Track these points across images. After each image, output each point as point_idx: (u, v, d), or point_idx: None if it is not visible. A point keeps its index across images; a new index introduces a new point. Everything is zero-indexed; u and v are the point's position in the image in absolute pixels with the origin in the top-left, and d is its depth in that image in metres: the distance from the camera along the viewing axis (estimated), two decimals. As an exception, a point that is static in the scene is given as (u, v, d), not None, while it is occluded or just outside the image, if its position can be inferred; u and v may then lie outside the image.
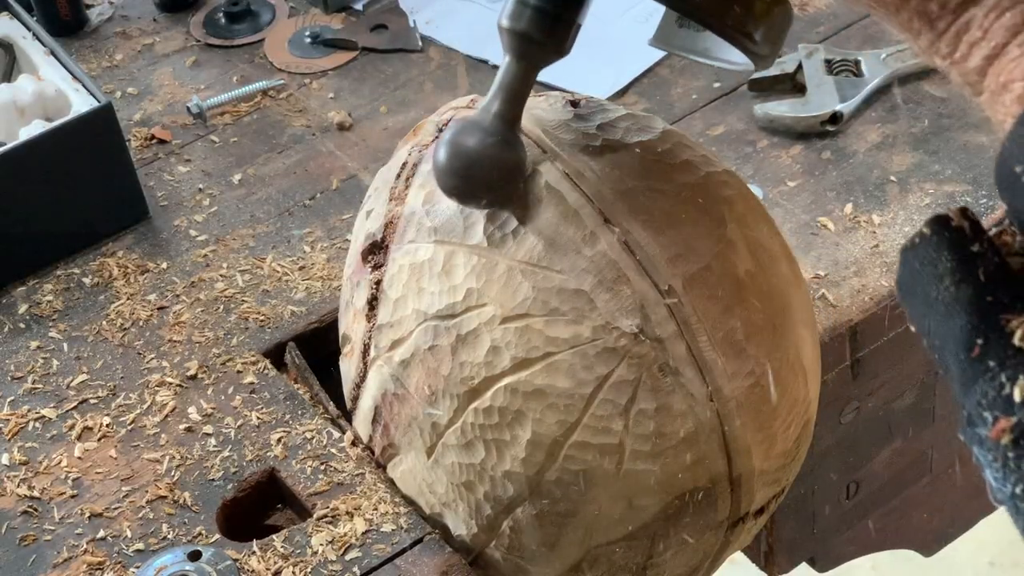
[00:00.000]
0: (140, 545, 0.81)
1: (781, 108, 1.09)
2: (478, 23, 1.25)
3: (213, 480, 0.85)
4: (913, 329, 0.47)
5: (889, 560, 1.53)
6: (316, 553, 0.79)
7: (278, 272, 1.00)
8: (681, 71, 1.16)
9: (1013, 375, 0.42)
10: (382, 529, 0.80)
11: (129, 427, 0.89)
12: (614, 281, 0.69)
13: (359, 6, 1.28)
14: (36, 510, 0.84)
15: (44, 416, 0.90)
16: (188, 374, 0.92)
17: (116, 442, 0.88)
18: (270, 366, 0.92)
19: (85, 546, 0.82)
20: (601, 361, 0.69)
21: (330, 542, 0.79)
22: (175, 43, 1.27)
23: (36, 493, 0.85)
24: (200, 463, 0.86)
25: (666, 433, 0.70)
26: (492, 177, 0.70)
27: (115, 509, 0.84)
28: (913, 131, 1.08)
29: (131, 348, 0.95)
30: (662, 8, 0.68)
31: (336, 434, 0.86)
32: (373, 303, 0.77)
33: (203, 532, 0.82)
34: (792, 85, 1.12)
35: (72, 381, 0.93)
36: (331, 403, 0.88)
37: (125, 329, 0.96)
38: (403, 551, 0.79)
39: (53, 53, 1.08)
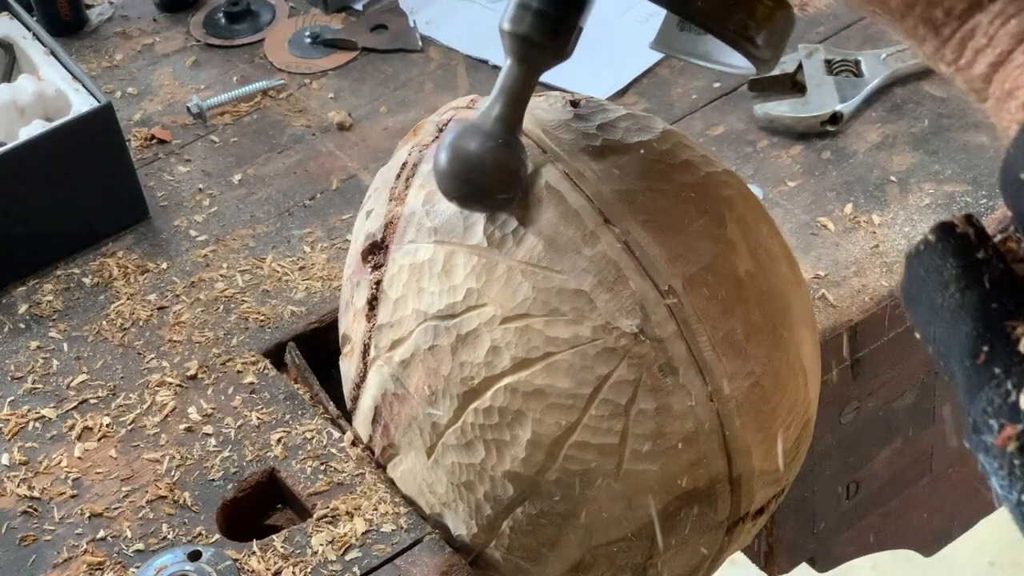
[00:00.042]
0: (140, 545, 0.81)
1: (781, 108, 1.09)
2: (478, 23, 1.25)
3: (213, 480, 0.85)
4: (918, 336, 0.47)
5: (889, 560, 1.53)
6: (316, 553, 0.79)
7: (278, 272, 1.00)
8: (681, 71, 1.16)
9: (1019, 382, 0.42)
10: (382, 529, 0.80)
11: (129, 427, 0.89)
12: (614, 281, 0.69)
13: (359, 6, 1.28)
14: (36, 510, 0.84)
15: (44, 416, 0.90)
16: (188, 374, 0.92)
17: (116, 442, 0.88)
18: (270, 366, 0.92)
19: (85, 546, 0.82)
20: (601, 361, 0.69)
21: (330, 542, 0.79)
22: (175, 43, 1.27)
23: (36, 493, 0.85)
24: (200, 463, 0.86)
25: (666, 433, 0.70)
26: (493, 181, 0.69)
27: (115, 509, 0.84)
28: (913, 131, 1.08)
29: (131, 348, 0.95)
30: (663, 10, 0.68)
31: (336, 434, 0.86)
32: (373, 303, 0.77)
33: (203, 532, 0.82)
34: (792, 85, 1.11)
35: (72, 381, 0.93)
36: (331, 403, 0.88)
37: (125, 329, 0.96)
38: (403, 551, 0.79)
39: (53, 53, 1.08)
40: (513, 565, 0.77)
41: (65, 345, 0.96)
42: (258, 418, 0.88)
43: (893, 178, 1.04)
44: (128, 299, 0.99)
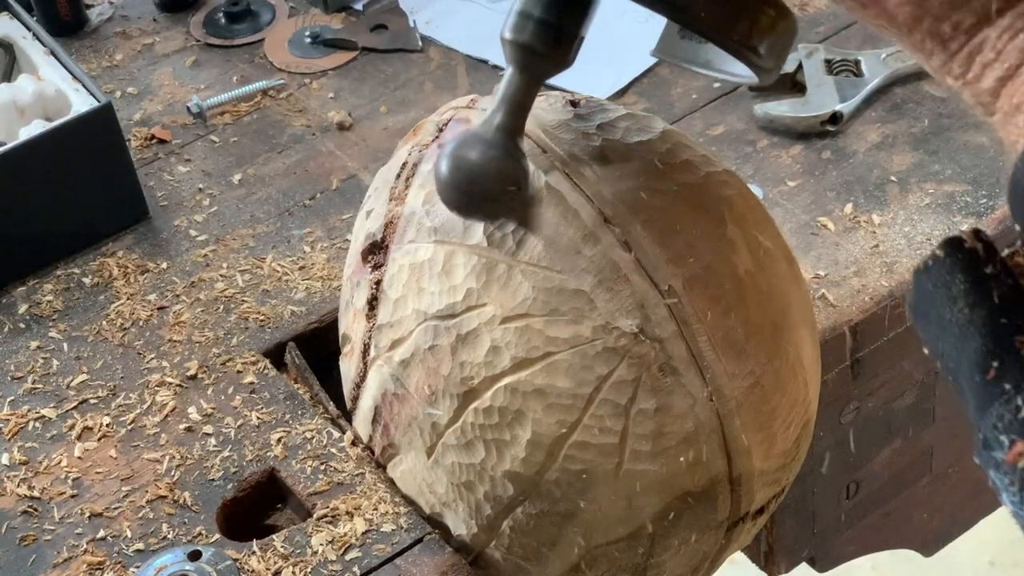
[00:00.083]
0: (140, 545, 0.81)
1: (781, 108, 1.09)
2: (478, 23, 1.25)
3: (213, 480, 0.85)
4: (926, 351, 0.47)
5: (889, 560, 1.53)
6: (316, 553, 0.79)
7: (278, 272, 1.00)
8: (681, 71, 1.16)
9: None
10: (382, 529, 0.80)
11: (129, 427, 0.89)
12: (614, 281, 0.69)
13: (359, 6, 1.28)
14: (36, 510, 0.84)
15: (44, 416, 0.90)
16: (188, 374, 0.92)
17: (116, 442, 0.88)
18: (270, 366, 0.92)
19: (85, 546, 0.82)
20: (601, 361, 0.69)
21: (330, 542, 0.79)
22: (175, 43, 1.27)
23: (36, 493, 0.85)
24: (200, 463, 0.86)
25: (666, 433, 0.70)
26: (494, 191, 0.69)
27: (115, 509, 0.84)
28: (913, 131, 1.08)
29: (131, 348, 0.95)
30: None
31: (336, 434, 0.86)
32: (373, 303, 0.77)
33: (203, 532, 0.82)
34: (792, 85, 1.11)
35: (72, 381, 0.93)
36: (331, 403, 0.88)
37: (125, 329, 0.96)
38: (403, 551, 0.79)
39: (53, 53, 1.08)
40: (513, 565, 0.77)
41: (65, 345, 0.96)
42: (258, 418, 0.88)
43: (893, 178, 1.04)
44: (128, 299, 0.99)
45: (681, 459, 0.71)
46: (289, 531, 0.80)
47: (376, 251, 0.78)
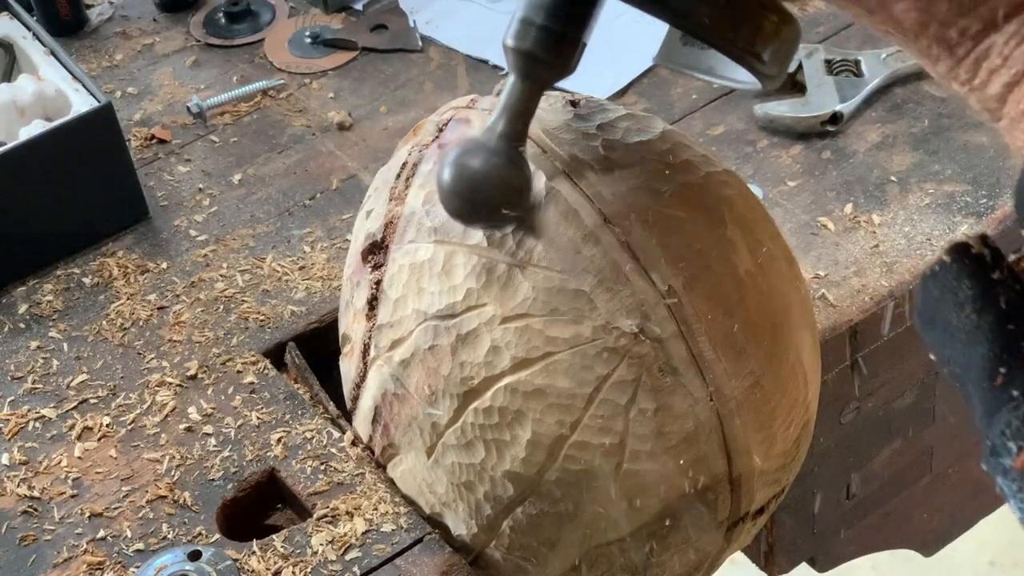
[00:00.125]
0: (140, 545, 0.81)
1: (781, 108, 1.09)
2: (478, 23, 1.25)
3: (213, 480, 0.85)
4: (933, 358, 0.47)
5: (889, 560, 1.53)
6: (316, 553, 0.79)
7: (278, 272, 1.00)
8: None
9: None
10: (382, 529, 0.80)
11: (129, 427, 0.89)
12: (614, 281, 0.69)
13: (359, 6, 1.28)
14: (36, 510, 0.84)
15: (44, 416, 0.90)
16: (188, 374, 0.92)
17: (116, 442, 0.88)
18: (270, 366, 0.92)
19: (85, 546, 0.82)
20: (601, 361, 0.69)
21: (330, 542, 0.79)
22: (175, 43, 1.27)
23: (36, 493, 0.85)
24: (200, 463, 0.86)
25: (666, 433, 0.70)
26: (497, 199, 0.69)
27: (115, 509, 0.84)
28: (913, 131, 1.08)
29: (131, 348, 0.95)
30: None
31: (336, 434, 0.86)
32: (373, 303, 0.77)
33: (203, 532, 0.82)
34: (792, 85, 1.11)
35: (72, 381, 0.93)
36: (331, 403, 0.88)
37: (125, 329, 0.96)
38: (403, 551, 0.79)
39: (53, 53, 1.08)
40: (513, 565, 0.77)
41: (65, 345, 0.96)
42: (258, 418, 0.88)
43: (893, 178, 1.04)
44: (128, 299, 0.99)
45: (681, 459, 0.71)
46: (289, 531, 0.80)
47: (376, 251, 0.78)
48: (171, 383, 0.91)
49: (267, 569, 0.78)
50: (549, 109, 0.75)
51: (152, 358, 0.94)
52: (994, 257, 0.45)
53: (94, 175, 1.02)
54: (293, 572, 0.78)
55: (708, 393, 0.70)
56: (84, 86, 1.04)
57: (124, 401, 0.91)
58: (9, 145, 0.98)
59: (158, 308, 0.98)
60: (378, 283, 0.77)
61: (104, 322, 0.97)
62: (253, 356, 0.93)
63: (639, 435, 0.70)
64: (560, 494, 0.72)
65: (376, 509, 0.80)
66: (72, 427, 0.89)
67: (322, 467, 0.84)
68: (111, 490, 0.85)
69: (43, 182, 1.00)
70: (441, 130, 0.78)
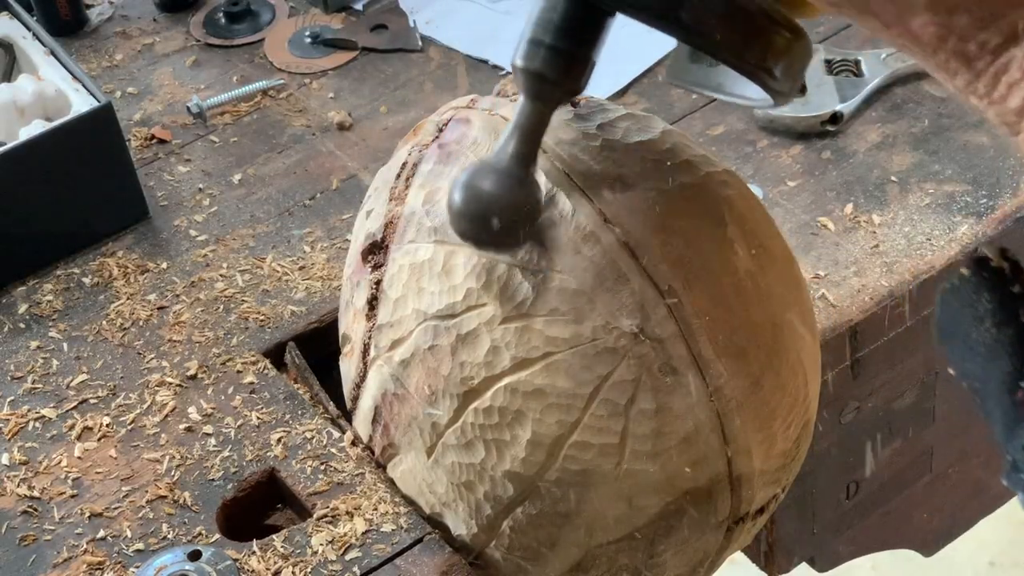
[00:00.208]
0: (140, 545, 0.81)
1: (781, 108, 1.09)
2: (478, 23, 1.25)
3: (213, 480, 0.85)
4: (952, 372, 0.47)
5: (889, 560, 1.53)
6: (316, 553, 0.79)
7: (278, 272, 1.00)
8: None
9: None
10: (382, 529, 0.80)
11: (129, 427, 0.89)
12: (614, 281, 0.69)
13: (359, 6, 1.28)
14: (36, 510, 0.84)
15: (44, 416, 0.90)
16: (188, 374, 0.92)
17: (116, 442, 0.88)
18: (270, 366, 0.92)
19: (85, 546, 0.82)
20: (601, 361, 0.69)
21: (330, 542, 0.79)
22: (175, 43, 1.27)
23: (36, 493, 0.85)
24: (200, 463, 0.86)
25: (666, 433, 0.70)
26: (509, 221, 0.68)
27: (115, 509, 0.84)
28: (913, 131, 1.08)
29: (131, 348, 0.95)
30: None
31: (336, 434, 0.86)
32: (373, 303, 0.77)
33: (203, 532, 0.82)
34: (792, 85, 1.11)
35: (72, 381, 0.93)
36: (331, 403, 0.88)
37: (125, 329, 0.96)
38: (403, 551, 0.79)
39: (53, 53, 1.08)
40: (513, 565, 0.77)
41: (65, 345, 0.96)
42: (258, 418, 0.88)
43: (893, 178, 1.04)
44: (128, 299, 0.99)
45: (681, 459, 0.71)
46: (289, 531, 0.80)
47: (376, 251, 0.78)
48: (171, 383, 0.91)
49: (267, 569, 0.78)
50: (549, 109, 0.75)
51: (152, 358, 0.94)
52: (1013, 270, 0.45)
53: (94, 175, 1.02)
54: (293, 572, 0.78)
55: (708, 393, 0.70)
56: (84, 86, 1.04)
57: (124, 401, 0.91)
58: (9, 145, 0.98)
59: (158, 308, 0.98)
60: (378, 283, 0.77)
61: (104, 322, 0.97)
62: (253, 356, 0.93)
63: (639, 435, 0.70)
64: (560, 494, 0.72)
65: (376, 509, 0.80)
66: (72, 427, 0.89)
67: (322, 467, 0.84)
68: (111, 490, 0.85)
69: (43, 182, 1.00)
70: (441, 130, 0.78)
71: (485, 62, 1.21)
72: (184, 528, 0.82)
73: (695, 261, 0.70)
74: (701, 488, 0.72)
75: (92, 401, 0.91)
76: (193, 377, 0.92)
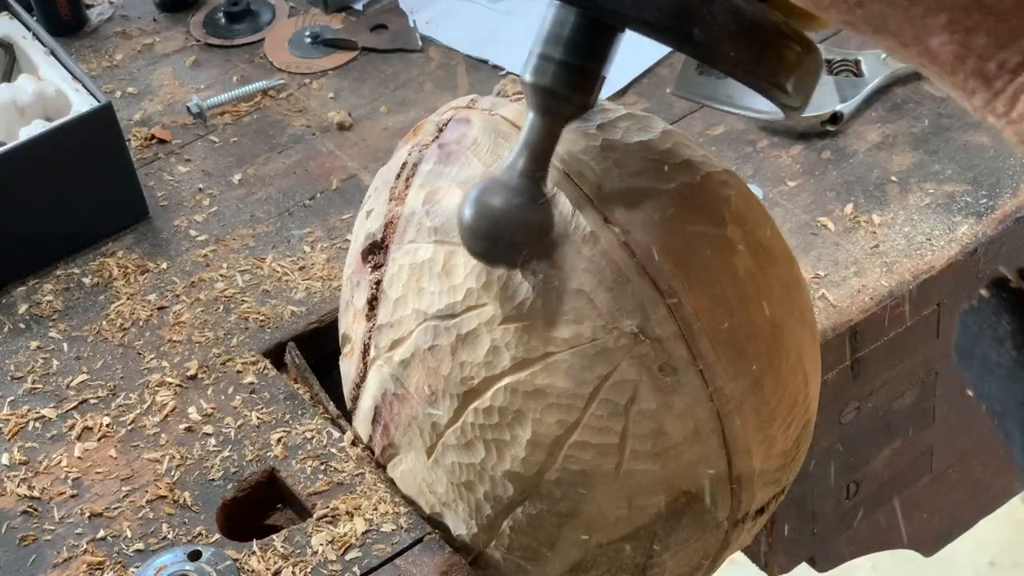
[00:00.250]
0: (140, 545, 0.81)
1: (781, 108, 1.09)
2: (478, 23, 1.25)
3: (213, 480, 0.85)
4: (970, 393, 0.46)
5: (889, 560, 1.53)
6: (316, 553, 0.79)
7: (278, 272, 1.00)
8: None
9: None
10: (382, 529, 0.80)
11: (129, 427, 0.89)
12: (614, 281, 0.69)
13: (359, 6, 1.28)
14: (36, 510, 0.84)
15: (44, 416, 0.90)
16: (188, 374, 0.92)
17: (116, 442, 0.88)
18: (270, 366, 0.92)
19: (85, 546, 0.82)
20: (601, 361, 0.69)
21: (330, 542, 0.79)
22: (175, 43, 1.27)
23: (36, 493, 0.85)
24: (200, 463, 0.86)
25: (666, 433, 0.70)
26: (519, 238, 0.68)
27: (115, 509, 0.84)
28: (913, 131, 1.08)
29: (131, 348, 0.95)
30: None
31: (336, 434, 0.86)
32: (373, 303, 0.77)
33: (203, 532, 0.82)
34: (792, 85, 1.11)
35: (72, 381, 0.93)
36: (331, 403, 0.88)
37: (125, 329, 0.96)
38: (403, 551, 0.79)
39: (53, 53, 1.08)
40: (513, 565, 0.77)
41: (65, 345, 0.96)
42: (258, 418, 0.88)
43: (893, 178, 1.04)
44: (128, 299, 0.99)
45: (681, 459, 0.71)
46: (289, 531, 0.80)
47: (376, 251, 0.78)
48: (171, 383, 0.91)
49: (267, 569, 0.78)
50: (549, 109, 0.75)
51: (152, 358, 0.94)
52: None
53: (94, 175, 1.02)
54: (293, 572, 0.78)
55: (708, 393, 0.70)
56: (84, 86, 1.04)
57: (124, 401, 0.91)
58: (9, 145, 0.98)
59: (158, 308, 0.98)
60: (378, 283, 0.77)
61: (104, 322, 0.97)
62: (253, 356, 0.93)
63: (639, 435, 0.70)
64: (560, 494, 0.72)
65: (376, 509, 0.80)
66: (72, 427, 0.89)
67: (322, 467, 0.84)
68: (111, 490, 0.85)
69: (43, 182, 1.00)
70: (441, 130, 0.78)
71: (485, 62, 1.21)
72: (184, 528, 0.82)
73: (695, 261, 0.70)
74: (701, 488, 0.72)
75: (92, 401, 0.91)
76: (193, 377, 0.92)
